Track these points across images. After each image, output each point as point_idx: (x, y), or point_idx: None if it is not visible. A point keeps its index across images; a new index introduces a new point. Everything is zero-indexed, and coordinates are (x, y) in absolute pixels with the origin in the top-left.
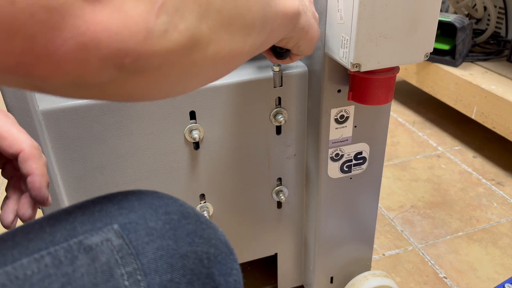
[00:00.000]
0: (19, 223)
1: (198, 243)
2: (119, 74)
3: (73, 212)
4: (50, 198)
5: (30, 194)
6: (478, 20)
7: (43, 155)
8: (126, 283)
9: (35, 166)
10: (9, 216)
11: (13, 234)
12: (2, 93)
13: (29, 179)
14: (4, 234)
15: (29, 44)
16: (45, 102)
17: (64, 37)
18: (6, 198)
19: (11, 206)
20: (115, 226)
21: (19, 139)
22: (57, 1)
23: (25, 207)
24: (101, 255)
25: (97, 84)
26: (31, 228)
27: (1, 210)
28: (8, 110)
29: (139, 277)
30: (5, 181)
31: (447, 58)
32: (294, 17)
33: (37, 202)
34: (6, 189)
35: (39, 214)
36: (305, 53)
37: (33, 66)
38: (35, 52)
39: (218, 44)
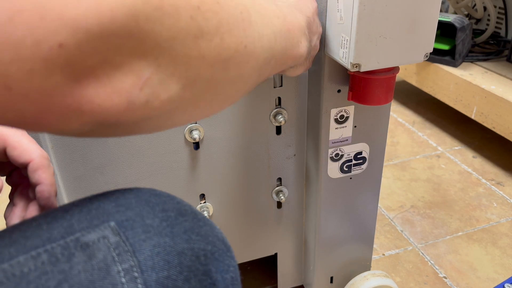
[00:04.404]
0: None
1: (195, 240)
2: (98, 127)
3: (70, 210)
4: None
5: (38, 203)
6: (478, 20)
7: (51, 164)
8: (123, 280)
9: (44, 176)
10: (16, 222)
11: (10, 231)
12: None
13: (38, 189)
14: (1, 231)
15: (18, 117)
16: None
17: (50, 110)
18: (12, 205)
19: (18, 213)
20: (112, 224)
21: (29, 149)
22: (49, 83)
23: (33, 214)
24: (98, 252)
25: (77, 134)
26: (28, 225)
27: (7, 216)
28: None
29: (135, 274)
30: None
31: (447, 58)
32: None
33: (45, 210)
34: (12, 196)
35: None
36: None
37: (21, 126)
38: (24, 121)
39: (197, 106)
